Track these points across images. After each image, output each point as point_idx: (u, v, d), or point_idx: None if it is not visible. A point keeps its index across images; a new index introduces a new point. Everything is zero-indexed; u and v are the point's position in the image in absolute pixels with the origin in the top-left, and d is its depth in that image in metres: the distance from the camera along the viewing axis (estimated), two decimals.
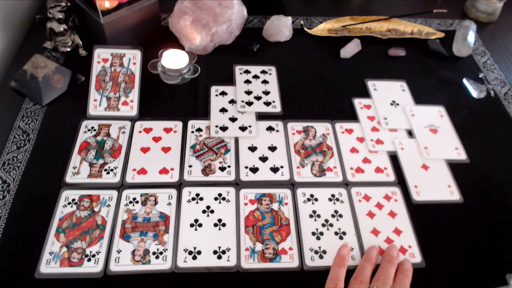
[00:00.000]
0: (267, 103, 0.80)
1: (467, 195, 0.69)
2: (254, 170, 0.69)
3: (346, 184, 0.69)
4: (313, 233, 0.62)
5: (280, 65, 0.88)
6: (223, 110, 0.78)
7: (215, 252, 0.60)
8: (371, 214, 0.65)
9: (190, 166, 0.69)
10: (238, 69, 0.86)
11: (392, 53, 0.92)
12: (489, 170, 0.73)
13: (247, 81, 0.84)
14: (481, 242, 0.63)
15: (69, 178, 0.66)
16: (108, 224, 0.61)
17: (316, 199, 0.66)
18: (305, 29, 0.97)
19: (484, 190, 0.70)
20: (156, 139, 0.73)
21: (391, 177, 0.70)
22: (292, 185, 0.68)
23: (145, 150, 0.71)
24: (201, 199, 0.65)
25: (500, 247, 0.63)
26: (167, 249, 0.59)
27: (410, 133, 0.77)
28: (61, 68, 0.78)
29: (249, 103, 0.79)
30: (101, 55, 0.80)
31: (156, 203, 0.64)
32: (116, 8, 0.82)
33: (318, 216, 0.64)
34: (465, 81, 0.88)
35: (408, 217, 0.65)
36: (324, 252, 0.60)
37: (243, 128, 0.75)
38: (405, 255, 0.61)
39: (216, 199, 0.65)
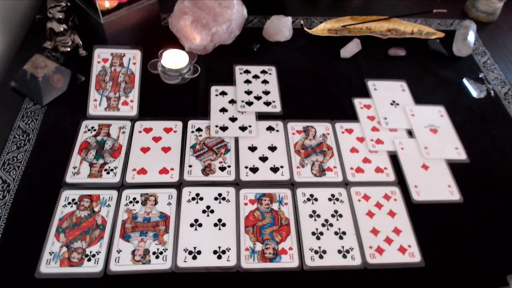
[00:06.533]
0: (267, 103, 0.80)
1: (467, 195, 0.68)
2: (254, 170, 0.69)
3: (346, 184, 0.69)
4: (313, 233, 0.62)
5: (280, 65, 0.88)
6: (223, 110, 0.78)
7: (215, 252, 0.59)
8: (370, 214, 0.65)
9: (190, 166, 0.69)
10: (238, 69, 0.86)
11: (392, 53, 0.92)
12: (489, 170, 0.73)
13: (247, 81, 0.83)
14: (481, 242, 0.63)
15: (69, 178, 0.66)
16: (108, 224, 0.61)
17: (316, 199, 0.66)
18: (305, 29, 0.96)
19: (484, 190, 0.70)
20: (156, 139, 0.72)
21: (391, 177, 0.70)
22: (292, 185, 0.68)
23: (145, 150, 0.71)
24: (201, 199, 0.65)
25: (500, 247, 0.63)
26: (167, 249, 0.59)
27: (410, 133, 0.77)
28: (61, 68, 0.78)
29: (249, 103, 0.79)
30: (101, 55, 0.80)
31: (156, 203, 0.64)
32: (116, 8, 0.82)
33: (318, 216, 0.64)
34: (465, 81, 0.88)
35: (407, 217, 0.65)
36: (324, 252, 0.60)
37: (243, 128, 0.75)
38: (404, 255, 0.61)
39: (216, 199, 0.65)
